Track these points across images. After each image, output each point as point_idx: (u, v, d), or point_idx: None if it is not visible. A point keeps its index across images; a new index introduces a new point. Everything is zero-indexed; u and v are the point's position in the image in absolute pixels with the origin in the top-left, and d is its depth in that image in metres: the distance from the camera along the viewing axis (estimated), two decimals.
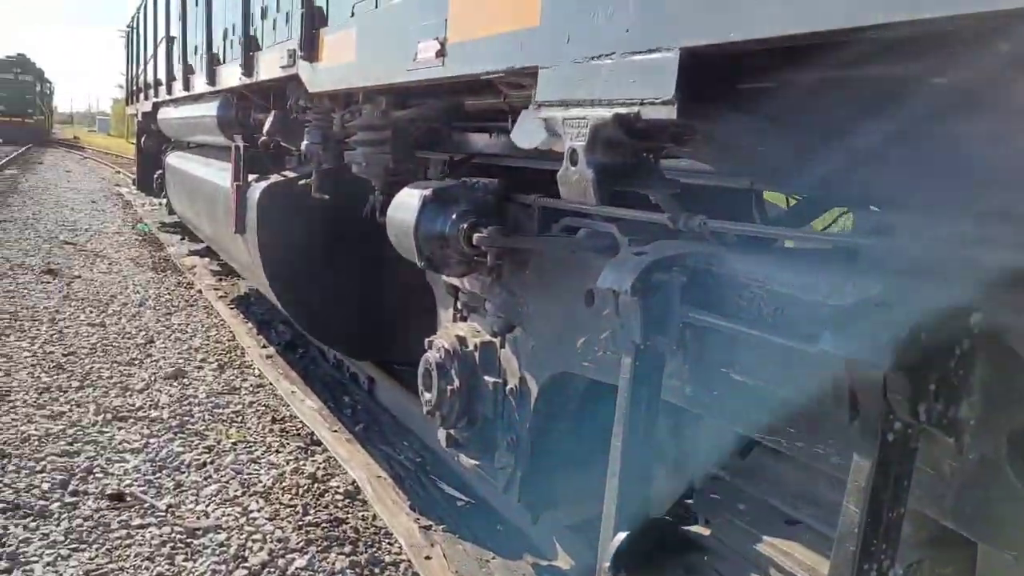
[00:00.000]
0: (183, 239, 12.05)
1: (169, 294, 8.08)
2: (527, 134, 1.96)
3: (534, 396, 2.61)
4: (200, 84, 6.25)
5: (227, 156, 6.15)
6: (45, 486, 3.73)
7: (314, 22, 3.36)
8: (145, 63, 10.64)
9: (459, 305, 3.08)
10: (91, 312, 7.09)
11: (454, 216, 2.63)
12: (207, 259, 10.30)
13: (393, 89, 2.99)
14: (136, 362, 5.79)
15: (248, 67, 4.49)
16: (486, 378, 2.81)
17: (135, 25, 12.22)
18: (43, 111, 51.26)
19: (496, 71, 2.00)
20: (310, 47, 3.35)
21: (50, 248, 10.19)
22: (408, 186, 2.91)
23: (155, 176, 12.51)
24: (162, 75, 9.52)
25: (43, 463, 3.97)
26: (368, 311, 4.61)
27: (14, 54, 49.87)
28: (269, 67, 4.12)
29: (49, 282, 8.19)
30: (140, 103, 11.22)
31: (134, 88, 12.28)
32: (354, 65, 3.00)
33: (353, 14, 3.09)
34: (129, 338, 6.37)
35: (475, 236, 2.54)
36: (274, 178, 4.52)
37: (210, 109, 5.99)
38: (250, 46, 4.54)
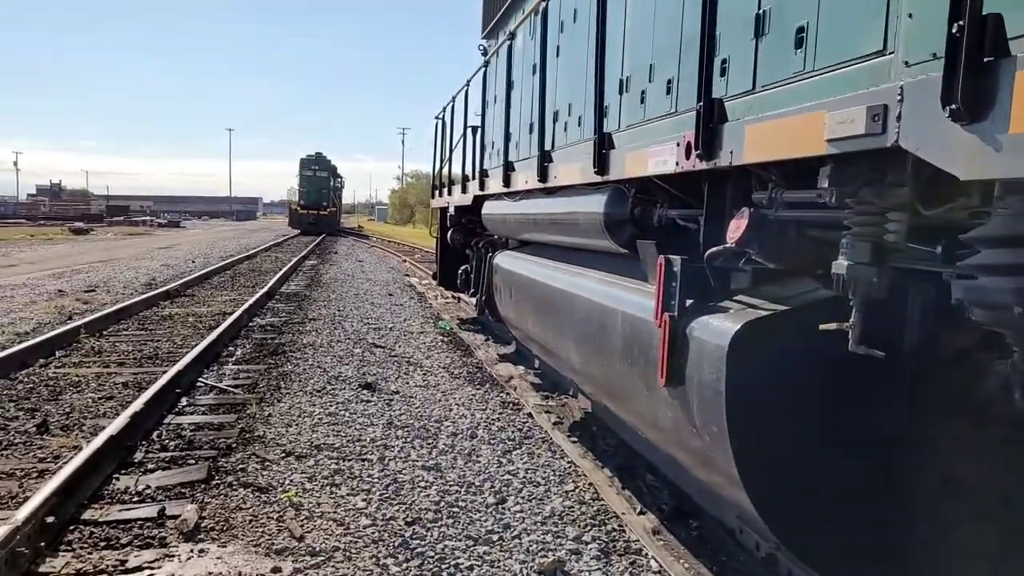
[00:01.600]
0: (487, 340, 11.09)
1: (498, 418, 6.82)
2: None
3: None
4: (569, 174, 4.94)
5: (608, 265, 4.72)
6: None
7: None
8: (473, 154, 9.92)
9: None
10: (421, 447, 5.93)
11: None
12: (520, 368, 9.11)
13: None
14: (494, 537, 4.38)
15: (710, 148, 2.96)
16: None
17: (445, 118, 11.75)
18: (335, 204, 56.06)
19: None
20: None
21: (362, 353, 9.53)
22: None
23: (460, 272, 11.77)
24: (491, 165, 8.62)
25: None
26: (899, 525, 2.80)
27: (313, 153, 55.34)
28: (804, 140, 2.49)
29: (368, 400, 7.27)
30: (449, 196, 10.52)
31: (439, 183, 11.75)
32: None
33: None
34: (475, 493, 5.04)
35: None
36: (748, 312, 2.91)
37: (587, 204, 4.64)
38: (711, 115, 3.02)
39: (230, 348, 9.57)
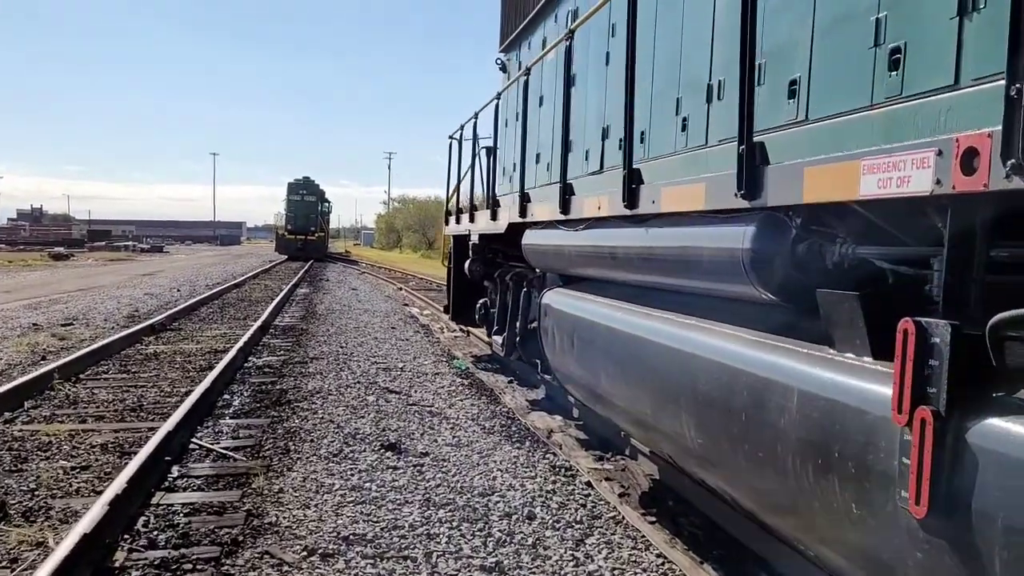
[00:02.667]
0: (511, 382, 9.96)
1: (553, 490, 5.69)
2: None
3: None
4: (681, 198, 3.84)
5: (737, 316, 3.63)
6: None
7: None
8: (492, 177, 8.85)
9: None
10: (472, 537, 4.78)
11: None
12: (557, 418, 7.99)
13: None
14: None
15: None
16: None
17: (463, 137, 10.71)
18: (323, 228, 54.86)
19: None
20: None
21: (376, 401, 8.37)
22: None
23: (478, 306, 10.67)
24: (538, 184, 7.55)
25: None
26: None
27: (301, 177, 54.23)
28: None
29: (395, 466, 6.12)
30: (471, 223, 9.43)
31: (457, 208, 10.68)
32: None
33: None
34: None
35: None
36: None
37: (714, 236, 3.56)
38: None
39: (226, 396, 8.39)
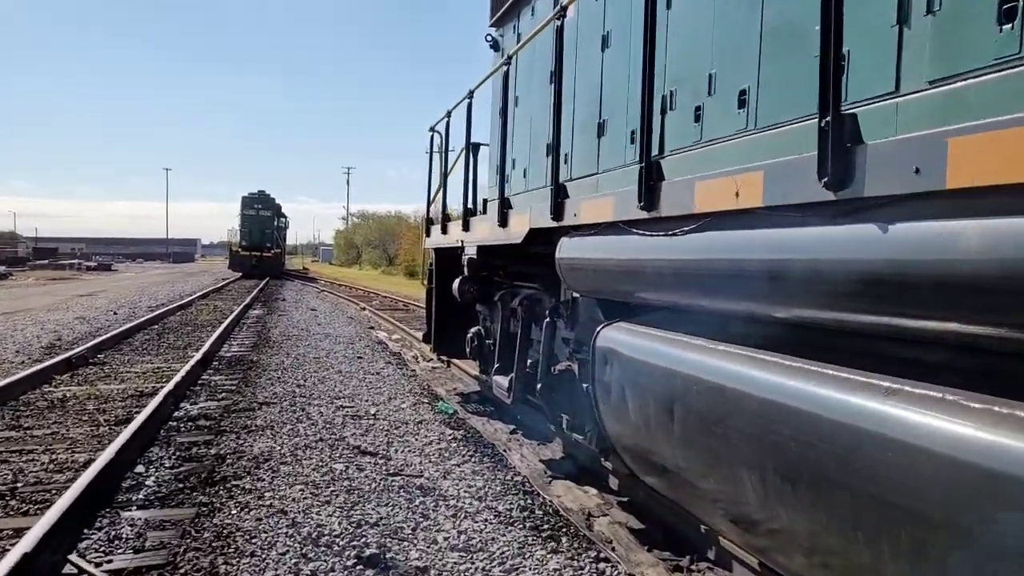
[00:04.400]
0: (514, 432, 7.88)
1: None
2: None
3: None
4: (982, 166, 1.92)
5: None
6: None
7: None
8: (502, 170, 6.77)
9: None
10: None
11: None
12: (590, 490, 5.95)
13: None
14: None
15: None
16: None
17: (447, 129, 8.63)
18: (279, 245, 52.34)
19: None
20: None
21: (346, 471, 6.24)
22: None
23: (469, 336, 8.61)
24: (576, 176, 5.53)
25: None
26: None
27: (256, 191, 51.64)
28: None
29: None
30: (464, 232, 7.34)
31: (441, 214, 8.61)
32: None
33: None
34: None
35: None
36: None
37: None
38: None
39: (139, 469, 6.18)
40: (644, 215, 3.66)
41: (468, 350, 8.75)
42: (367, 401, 9.27)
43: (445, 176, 9.85)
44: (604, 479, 6.11)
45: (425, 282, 10.12)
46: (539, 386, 5.89)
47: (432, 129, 9.37)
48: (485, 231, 6.75)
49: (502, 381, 7.22)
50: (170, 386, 8.88)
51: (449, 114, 8.34)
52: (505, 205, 6.06)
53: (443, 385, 10.76)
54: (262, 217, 49.88)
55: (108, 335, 14.44)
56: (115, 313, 20.67)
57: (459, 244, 7.60)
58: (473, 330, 8.69)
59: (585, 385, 4.89)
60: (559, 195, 4.96)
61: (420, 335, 17.19)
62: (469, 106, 8.21)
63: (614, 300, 4.59)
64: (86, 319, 18.83)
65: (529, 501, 5.72)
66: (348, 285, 42.22)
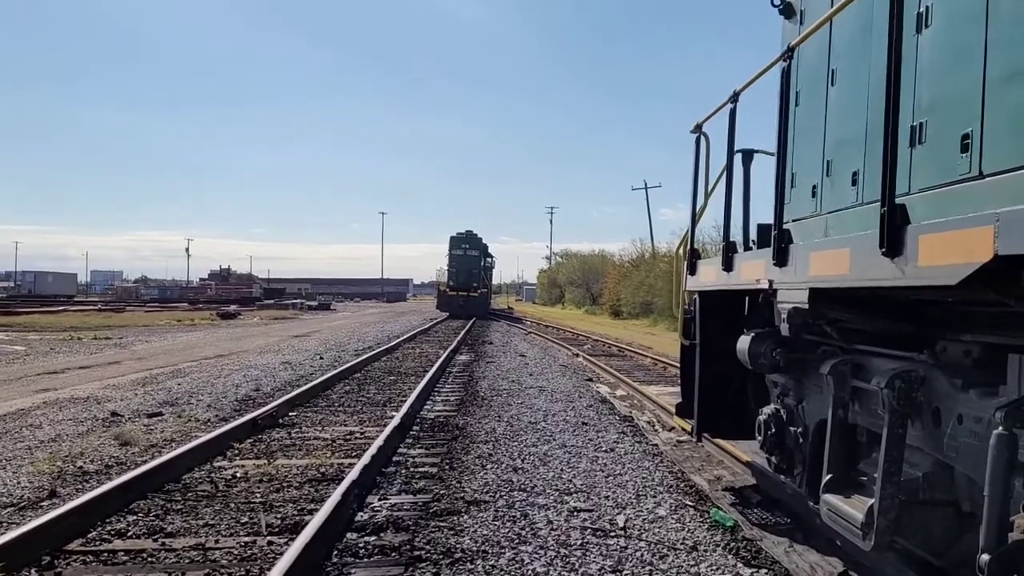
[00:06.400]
0: (844, 575, 5.00)
1: None
2: None
3: None
4: None
5: None
6: None
7: None
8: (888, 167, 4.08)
9: None
10: None
11: None
12: None
13: None
14: None
15: None
16: None
17: (732, 126, 6.01)
18: (486, 284, 51.82)
19: None
20: None
21: None
22: None
23: (763, 421, 5.86)
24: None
25: None
26: None
27: (464, 231, 51.54)
28: None
29: None
30: (779, 267, 4.62)
31: (726, 244, 5.97)
32: None
33: None
34: None
35: None
36: None
37: None
38: None
39: None
40: None
41: (760, 439, 5.99)
42: (608, 500, 6.74)
43: (707, 194, 7.22)
44: None
45: (681, 336, 7.47)
46: (984, 560, 3.06)
47: (698, 128, 6.79)
48: (823, 266, 4.02)
49: (846, 509, 4.38)
50: (358, 469, 6.84)
51: (737, 96, 5.70)
52: (903, 218, 3.28)
53: (701, 471, 8.04)
54: (469, 257, 49.62)
55: (308, 385, 13.05)
56: (321, 357, 19.76)
57: (765, 286, 4.93)
58: (767, 410, 5.94)
59: None
60: None
61: (648, 390, 14.55)
62: (732, 112, 5.63)
63: None
64: (291, 364, 17.92)
65: None
66: (554, 326, 40.42)
